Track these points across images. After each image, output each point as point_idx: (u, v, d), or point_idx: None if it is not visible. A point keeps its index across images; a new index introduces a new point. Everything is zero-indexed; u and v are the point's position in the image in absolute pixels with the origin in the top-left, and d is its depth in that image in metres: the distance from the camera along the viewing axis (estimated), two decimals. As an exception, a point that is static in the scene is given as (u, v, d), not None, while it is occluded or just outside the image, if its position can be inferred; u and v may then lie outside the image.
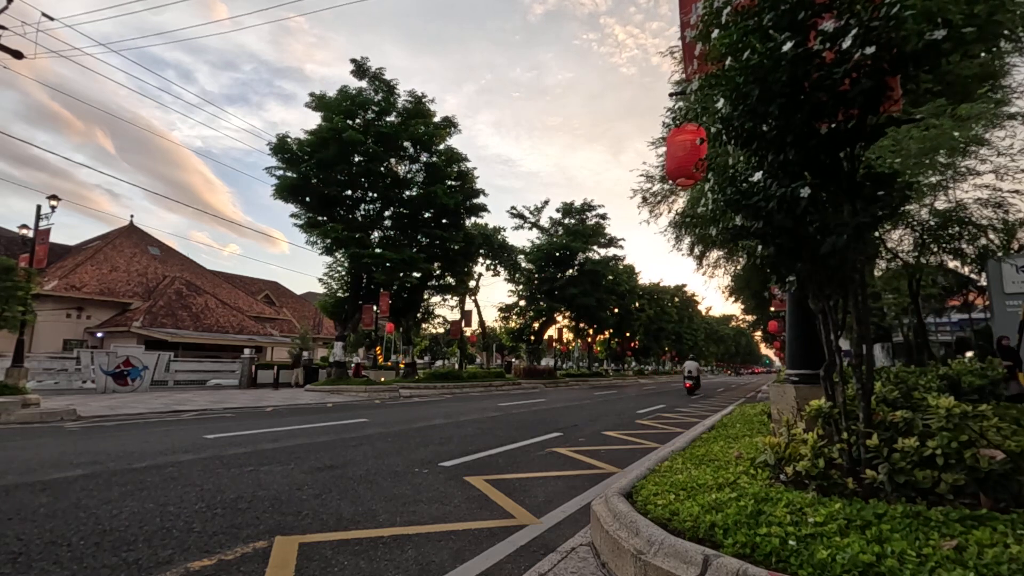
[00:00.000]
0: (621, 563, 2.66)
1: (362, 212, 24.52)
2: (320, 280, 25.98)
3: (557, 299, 37.29)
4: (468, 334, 37.94)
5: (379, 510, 3.89)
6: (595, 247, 38.72)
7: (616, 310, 43.84)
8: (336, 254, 24.10)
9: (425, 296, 28.84)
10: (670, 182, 14.40)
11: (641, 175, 15.30)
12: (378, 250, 22.57)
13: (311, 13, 19.87)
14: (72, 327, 25.53)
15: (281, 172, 22.29)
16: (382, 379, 22.16)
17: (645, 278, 60.98)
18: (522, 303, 38.19)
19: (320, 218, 23.33)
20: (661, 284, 59.14)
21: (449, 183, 24.74)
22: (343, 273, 24.99)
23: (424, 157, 24.50)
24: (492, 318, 47.37)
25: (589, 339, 48.66)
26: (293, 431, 8.26)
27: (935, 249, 10.95)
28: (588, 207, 38.16)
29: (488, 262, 35.19)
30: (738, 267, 17.37)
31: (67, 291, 24.95)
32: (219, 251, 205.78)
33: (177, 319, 26.98)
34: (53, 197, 14.92)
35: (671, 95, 10.80)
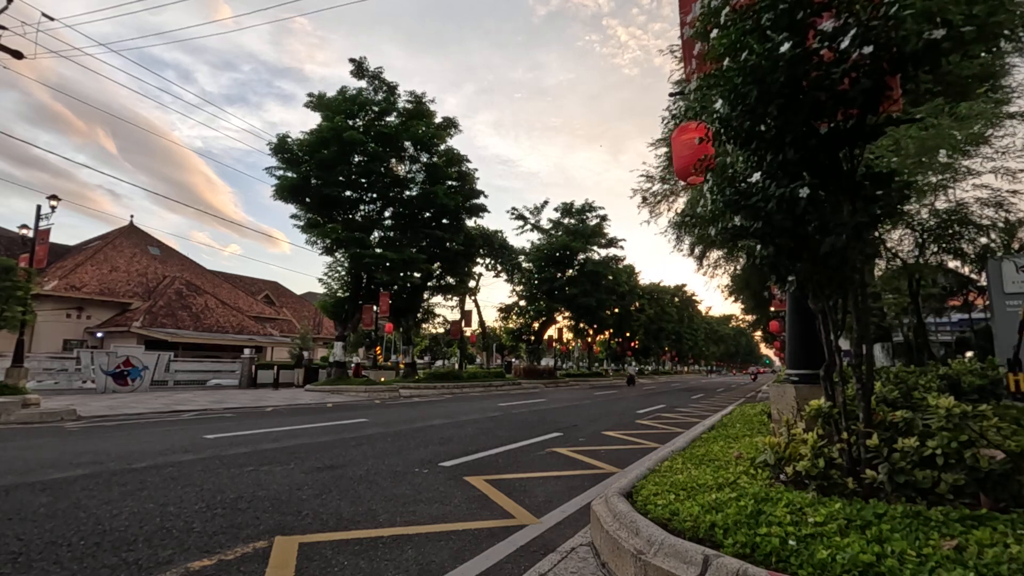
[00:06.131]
0: (621, 563, 2.66)
1: (362, 212, 24.51)
2: (320, 280, 25.97)
3: (557, 299, 37.31)
4: (468, 334, 37.94)
5: (379, 510, 3.89)
6: (595, 247, 38.76)
7: (616, 310, 43.87)
8: (336, 254, 24.10)
9: (425, 296, 28.83)
10: (670, 182, 14.43)
11: (641, 175, 15.28)
12: (378, 250, 22.57)
13: (311, 13, 19.87)
14: (72, 327, 25.53)
15: (281, 172, 22.30)
16: (382, 379, 22.16)
17: (645, 278, 61.13)
18: (522, 303, 38.21)
19: (320, 218, 23.32)
20: (661, 284, 59.29)
21: (449, 183, 24.73)
22: (343, 273, 24.97)
23: (424, 157, 24.50)
24: (492, 318, 47.39)
25: (589, 339, 48.70)
26: (293, 431, 8.26)
27: (935, 249, 10.94)
28: (588, 208, 38.16)
29: (488, 261, 35.20)
30: (738, 267, 17.37)
31: (67, 291, 24.95)
32: (219, 251, 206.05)
33: (177, 319, 26.98)
34: (53, 197, 14.93)
35: (671, 95, 10.81)
